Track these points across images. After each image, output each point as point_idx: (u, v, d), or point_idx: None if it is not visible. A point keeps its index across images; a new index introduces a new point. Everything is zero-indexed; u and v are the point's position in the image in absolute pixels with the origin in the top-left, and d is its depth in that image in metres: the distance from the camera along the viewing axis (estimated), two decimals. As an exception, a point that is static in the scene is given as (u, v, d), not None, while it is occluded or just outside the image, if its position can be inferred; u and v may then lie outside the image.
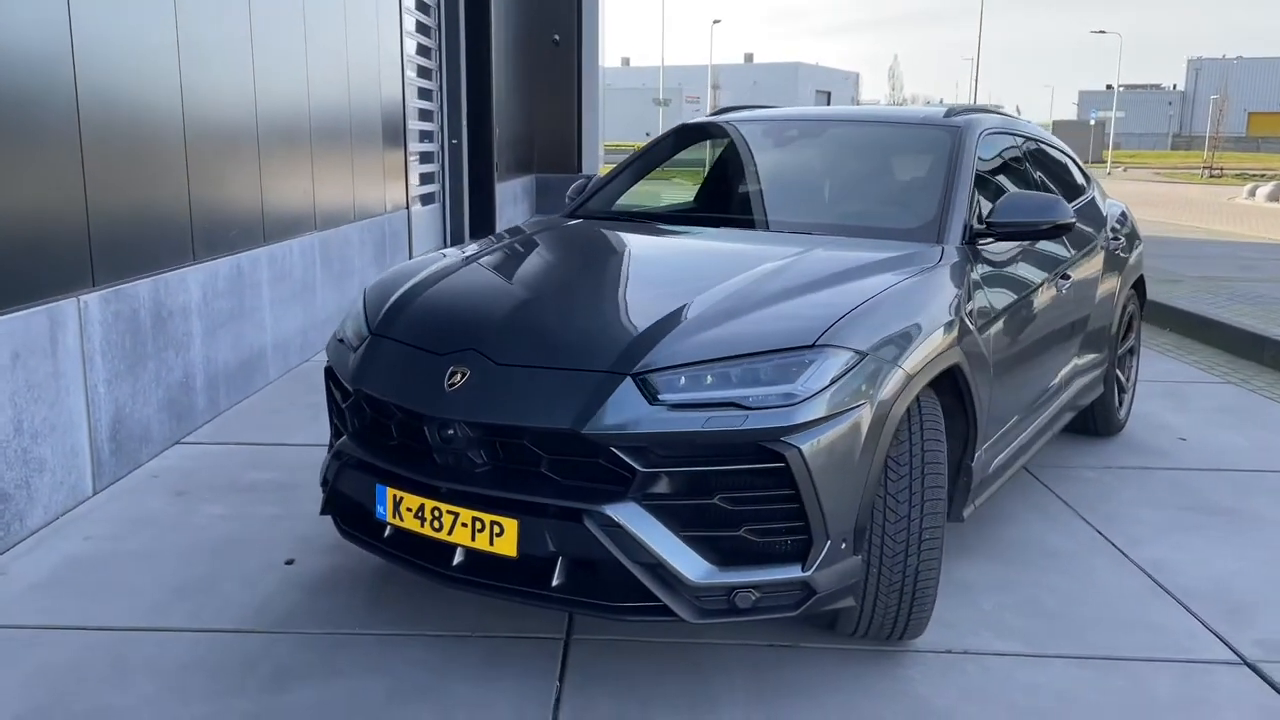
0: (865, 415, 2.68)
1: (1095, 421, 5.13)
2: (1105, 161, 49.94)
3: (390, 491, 2.83)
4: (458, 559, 2.77)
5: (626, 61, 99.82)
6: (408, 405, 2.81)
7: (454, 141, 12.80)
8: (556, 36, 18.82)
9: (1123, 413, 5.34)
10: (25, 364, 3.71)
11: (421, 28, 12.26)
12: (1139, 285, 5.41)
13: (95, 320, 4.17)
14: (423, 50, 12.37)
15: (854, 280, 3.06)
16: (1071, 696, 2.83)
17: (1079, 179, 5.00)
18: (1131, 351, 5.49)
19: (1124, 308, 5.08)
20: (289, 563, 3.55)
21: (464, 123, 12.95)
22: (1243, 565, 3.74)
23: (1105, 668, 3.00)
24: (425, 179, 11.61)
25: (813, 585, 2.64)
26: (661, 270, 3.43)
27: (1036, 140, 4.66)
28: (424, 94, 12.40)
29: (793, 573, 2.63)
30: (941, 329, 3.05)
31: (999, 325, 3.51)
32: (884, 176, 4.09)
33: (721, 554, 2.61)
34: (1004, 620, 3.27)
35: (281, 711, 2.66)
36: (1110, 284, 4.83)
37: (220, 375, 5.31)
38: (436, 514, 2.74)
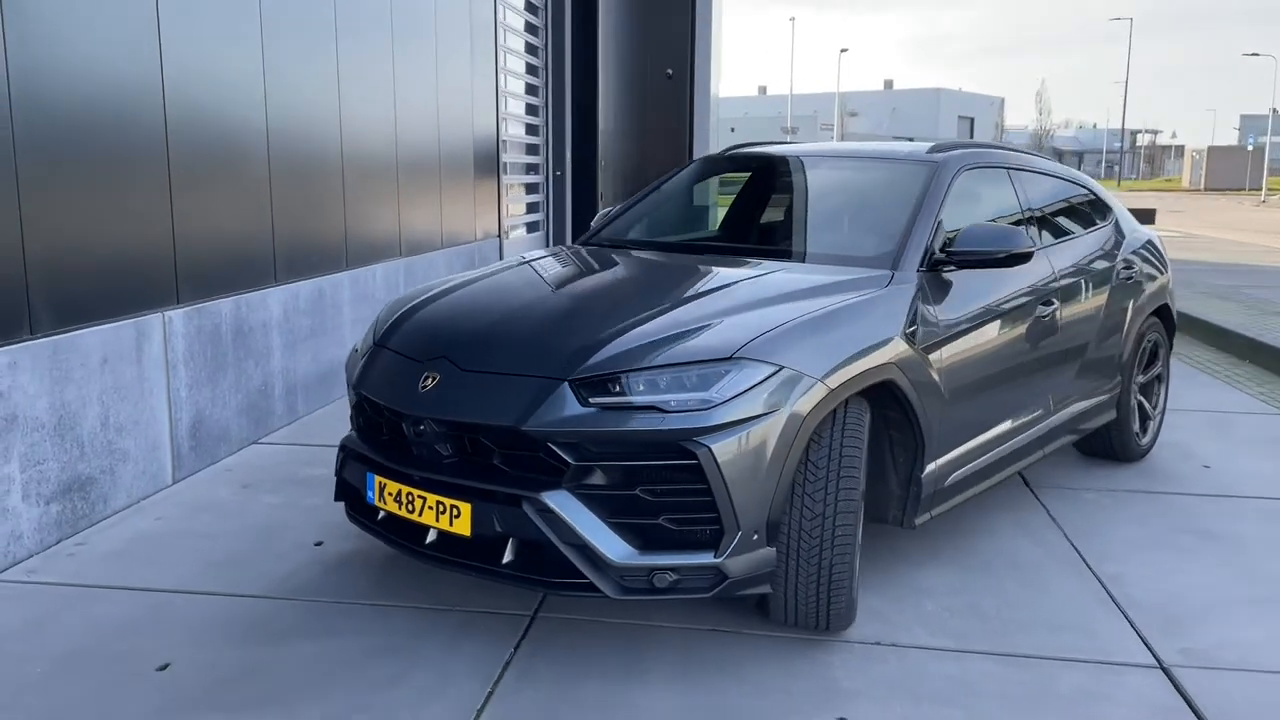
0: (779, 421, 3.03)
1: (1112, 446, 5.27)
2: (1261, 189, 47.60)
3: (377, 479, 3.32)
4: (430, 538, 3.23)
5: (764, 90, 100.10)
6: (390, 405, 3.30)
7: (558, 173, 13.47)
8: (669, 70, 19.41)
9: (1146, 439, 5.45)
10: (113, 368, 4.36)
11: (530, 68, 12.95)
12: (1163, 315, 5.52)
13: (179, 333, 4.81)
14: (531, 89, 13.05)
15: (794, 302, 3.40)
16: (974, 687, 3.09)
17: (1091, 210, 5.17)
18: (1159, 379, 5.59)
19: (1140, 336, 5.20)
20: (318, 544, 4.07)
21: (568, 155, 13.59)
22: (1203, 581, 3.89)
23: (1019, 664, 3.24)
24: (531, 208, 12.29)
25: (724, 571, 3.00)
26: (624, 290, 3.82)
27: (1038, 173, 4.88)
28: (531, 129, 13.09)
29: (705, 559, 2.99)
30: (875, 347, 3.36)
31: (955, 347, 3.78)
32: (861, 208, 4.40)
33: (643, 539, 2.99)
34: (941, 620, 3.53)
35: (276, 661, 3.16)
36: (1120, 313, 4.98)
37: (299, 384, 5.94)
38: (410, 498, 3.21)
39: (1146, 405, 5.49)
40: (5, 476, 3.84)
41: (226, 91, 5.24)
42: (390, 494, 3.27)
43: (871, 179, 4.47)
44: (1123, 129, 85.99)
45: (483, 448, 3.12)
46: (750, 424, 2.99)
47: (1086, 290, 4.73)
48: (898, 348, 3.46)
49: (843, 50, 69.49)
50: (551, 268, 4.14)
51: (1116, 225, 5.28)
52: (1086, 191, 5.29)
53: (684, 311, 3.33)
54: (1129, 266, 5.11)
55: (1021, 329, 4.21)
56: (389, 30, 7.11)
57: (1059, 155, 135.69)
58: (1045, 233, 4.66)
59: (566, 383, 3.03)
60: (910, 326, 3.56)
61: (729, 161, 4.95)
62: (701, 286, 3.58)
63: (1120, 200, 5.72)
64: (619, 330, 3.21)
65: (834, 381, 3.17)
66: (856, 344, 3.31)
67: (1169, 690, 3.09)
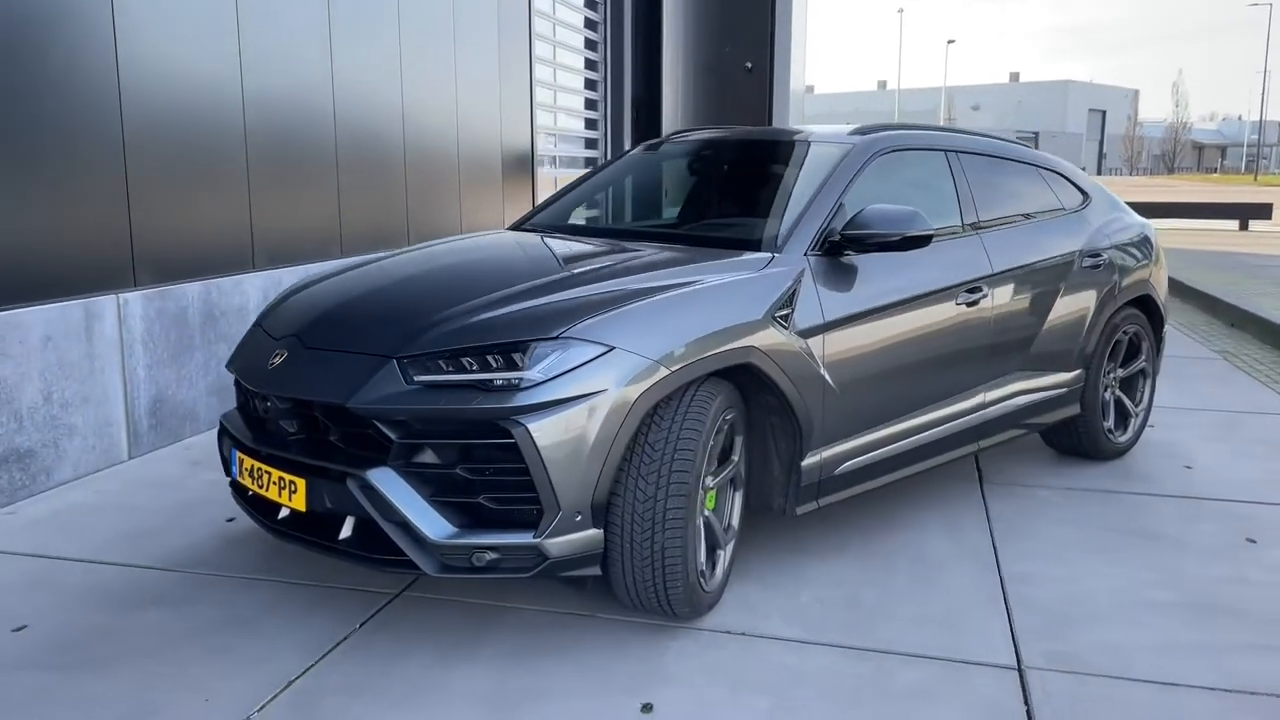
0: (605, 402, 2.98)
1: (1081, 442, 5.04)
2: None
3: (238, 454, 3.39)
4: (282, 514, 3.28)
5: (883, 84, 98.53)
6: (244, 381, 3.37)
7: (614, 166, 13.52)
8: (749, 63, 19.25)
9: (1125, 437, 5.19)
10: (56, 346, 4.55)
11: (589, 63, 12.99)
12: (1146, 306, 5.24)
13: (136, 315, 4.99)
14: (590, 84, 13.11)
15: (651, 284, 3.34)
16: (802, 678, 2.99)
17: (1056, 197, 4.94)
18: (1144, 374, 5.31)
19: (1111, 328, 4.96)
20: (229, 520, 4.18)
21: (627, 149, 13.64)
22: (1116, 584, 3.69)
23: (863, 657, 3.12)
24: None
25: (544, 551, 2.97)
26: (487, 271, 3.78)
27: (988, 156, 4.68)
28: (590, 124, 13.14)
29: (525, 539, 2.96)
30: (730, 330, 3.28)
31: (850, 334, 3.66)
32: (767, 191, 4.28)
33: (465, 517, 2.99)
34: (809, 611, 3.43)
35: (126, 627, 3.26)
36: (1082, 304, 4.76)
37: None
38: (259, 474, 3.27)
39: (1127, 401, 5.23)
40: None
41: (301, 99, 5.41)
42: (246, 469, 3.34)
43: (786, 162, 4.36)
44: (1261, 120, 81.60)
45: (320, 424, 3.16)
46: (573, 404, 2.95)
47: (1034, 279, 4.52)
48: (762, 331, 3.37)
49: (949, 41, 67.84)
50: (442, 250, 4.15)
51: (1087, 213, 5.03)
52: (1057, 177, 5.05)
53: (532, 292, 3.30)
54: (1095, 255, 4.87)
55: (940, 318, 4.05)
56: (439, 30, 7.24)
57: (1199, 149, 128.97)
58: (985, 218, 4.46)
59: (393, 360, 3.05)
60: (782, 310, 3.46)
61: (665, 145, 4.88)
62: (568, 269, 3.55)
63: (1106, 188, 5.45)
64: (455, 309, 3.21)
65: (673, 363, 3.10)
66: (706, 327, 3.23)
67: (1011, 692, 2.94)
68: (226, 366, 3.64)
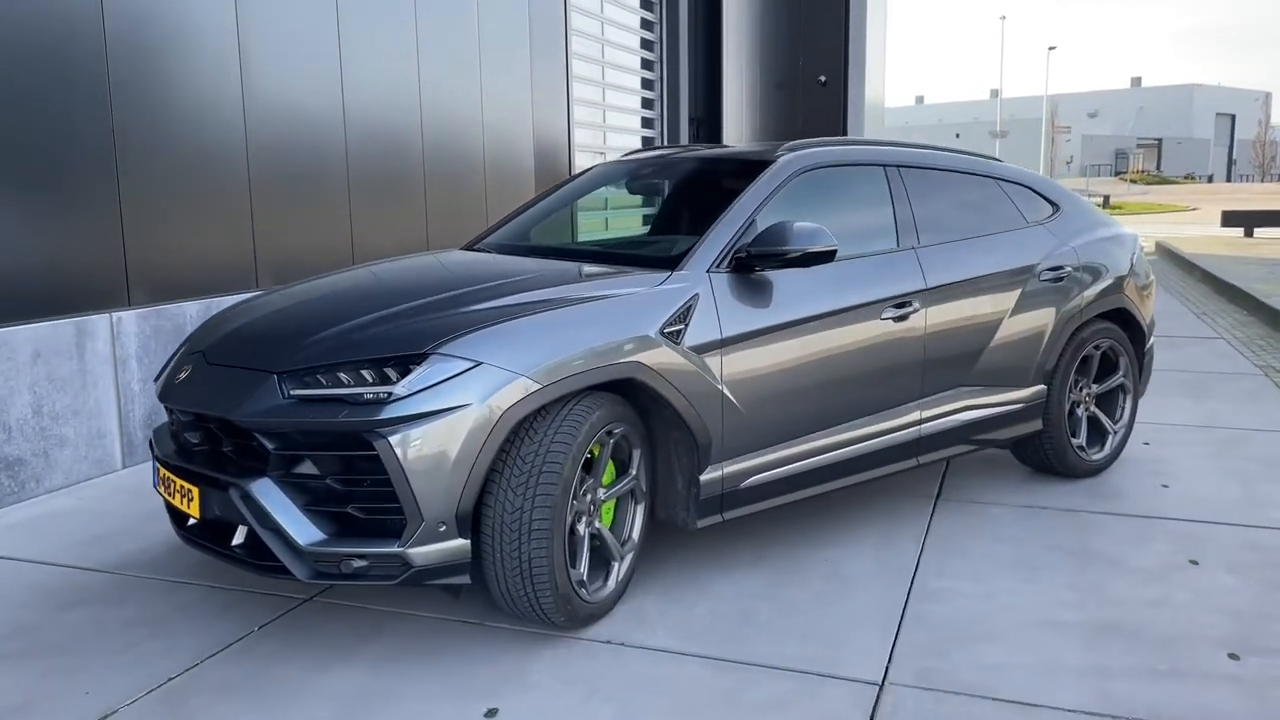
0: (470, 415, 3.09)
1: (1049, 460, 4.94)
2: None
3: (156, 465, 3.60)
4: (190, 522, 3.48)
5: (995, 93, 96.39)
6: (157, 396, 3.58)
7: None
8: (823, 77, 19.16)
9: (1100, 454, 5.07)
10: (46, 361, 4.87)
11: (646, 83, 13.13)
12: (1123, 320, 5.11)
13: (130, 332, 5.30)
14: (647, 103, 13.24)
15: (529, 300, 3.44)
16: (659, 687, 3.04)
17: (1016, 210, 4.86)
18: (1123, 390, 5.18)
19: (1078, 343, 4.85)
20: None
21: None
22: (1028, 603, 3.62)
23: (731, 669, 3.15)
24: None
25: (408, 560, 3.09)
26: (392, 289, 3.88)
27: (938, 170, 4.64)
28: (647, 143, 13.28)
29: (390, 547, 3.08)
30: (612, 346, 3.35)
31: (756, 350, 3.70)
32: (688, 210, 4.32)
33: (335, 526, 3.13)
34: (698, 623, 3.46)
35: (48, 624, 3.49)
36: (1039, 318, 4.68)
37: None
38: (168, 482, 3.47)
39: (1103, 418, 5.10)
40: (-77, 454, 4.38)
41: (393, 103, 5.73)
42: (161, 479, 3.55)
43: (713, 181, 4.40)
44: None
45: (215, 436, 3.35)
46: (436, 417, 3.06)
47: (977, 294, 4.46)
48: (648, 347, 3.43)
49: (1050, 48, 65.91)
50: (362, 271, 4.30)
51: (1053, 226, 4.94)
52: (1021, 190, 4.97)
53: (419, 310, 3.42)
54: (1057, 269, 4.77)
55: (861, 334, 4.04)
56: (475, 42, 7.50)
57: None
58: (926, 233, 4.43)
59: (274, 375, 3.21)
60: (674, 326, 3.52)
61: (615, 165, 4.97)
62: (466, 287, 3.64)
63: (1083, 200, 5.34)
64: (339, 327, 3.36)
65: (543, 378, 3.19)
66: (582, 343, 3.31)
67: (861, 708, 2.94)
68: (154, 381, 3.87)
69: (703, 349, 3.58)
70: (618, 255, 4.10)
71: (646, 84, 13.38)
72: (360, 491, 3.11)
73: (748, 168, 4.19)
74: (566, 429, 3.24)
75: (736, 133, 15.72)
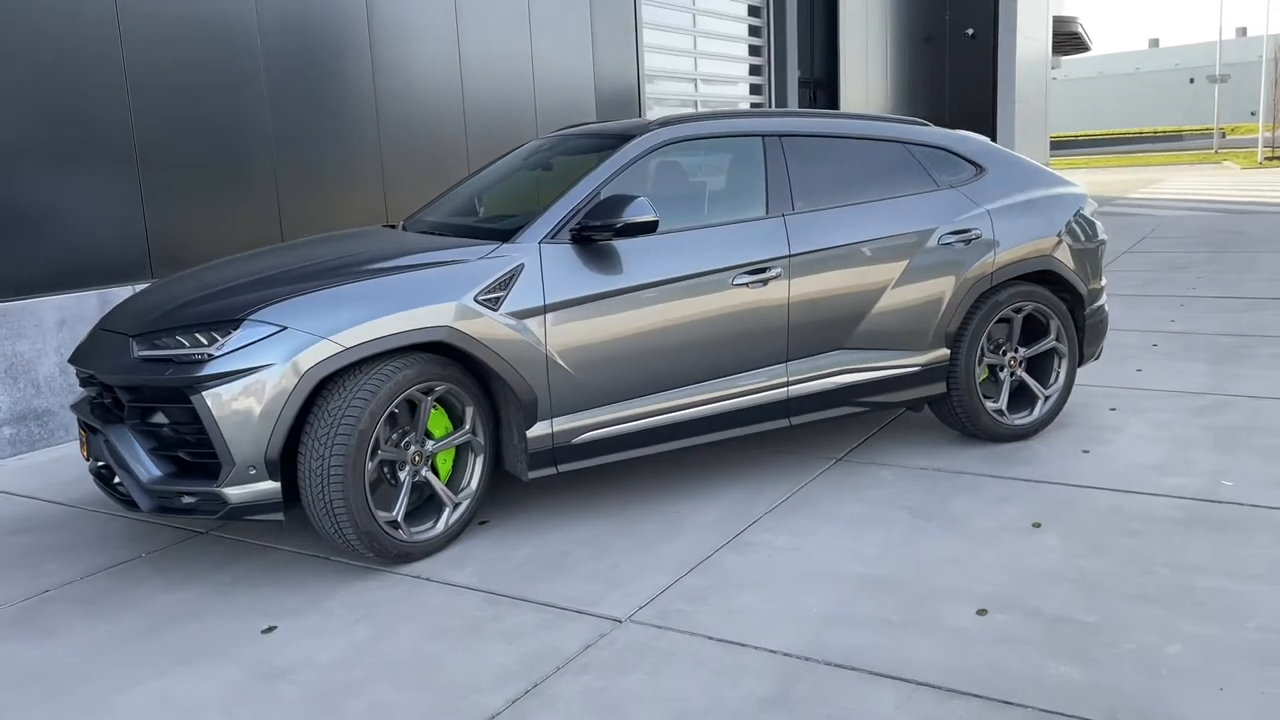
0: (274, 374, 3.56)
1: (964, 424, 4.96)
2: None
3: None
4: (94, 465, 4.13)
5: (1155, 43, 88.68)
6: (69, 359, 4.23)
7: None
8: (971, 30, 18.51)
9: (1025, 419, 5.04)
10: (71, 328, 5.70)
11: (754, 49, 13.14)
12: (1052, 282, 5.04)
13: (154, 302, 6.08)
14: (754, 70, 13.29)
15: (357, 271, 3.86)
16: (426, 615, 3.42)
17: (925, 174, 4.87)
18: (1056, 355, 5.11)
19: (992, 305, 4.84)
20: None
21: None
22: (823, 556, 3.78)
23: (498, 603, 3.50)
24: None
25: (224, 497, 3.60)
26: (259, 266, 4.31)
27: (837, 137, 4.73)
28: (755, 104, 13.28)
29: (210, 487, 3.61)
30: (422, 312, 3.74)
31: (588, 315, 4.00)
32: (547, 185, 4.57)
33: (172, 467, 3.69)
34: (507, 564, 3.82)
35: (-8, 544, 4.23)
36: (938, 281, 4.71)
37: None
38: (80, 436, 4.13)
39: (1032, 383, 5.06)
40: (-47, 405, 5.27)
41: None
42: (80, 435, 4.21)
43: (583, 157, 4.63)
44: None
45: (102, 391, 3.97)
46: (245, 375, 3.55)
47: (856, 259, 4.55)
48: (461, 314, 3.80)
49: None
50: (264, 250, 4.81)
51: (970, 189, 4.92)
52: (936, 153, 4.96)
53: (263, 281, 3.91)
54: (962, 232, 4.77)
55: (709, 299, 4.24)
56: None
57: None
58: (802, 201, 4.55)
59: (131, 339, 3.79)
60: (492, 294, 3.87)
61: (534, 143, 5.26)
62: (317, 261, 4.11)
63: (1023, 159, 5.25)
64: (194, 296, 3.90)
65: (347, 340, 3.63)
66: (390, 309, 3.71)
67: (582, 638, 3.22)
68: (87, 343, 4.54)
69: (523, 314, 3.91)
70: (479, 229, 4.44)
71: (754, 50, 13.37)
72: (188, 439, 3.65)
73: (610, 143, 4.45)
74: (368, 387, 3.65)
75: (862, 97, 15.49)
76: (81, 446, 4.07)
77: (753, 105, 13.46)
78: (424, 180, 7.82)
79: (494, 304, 3.87)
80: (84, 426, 4.03)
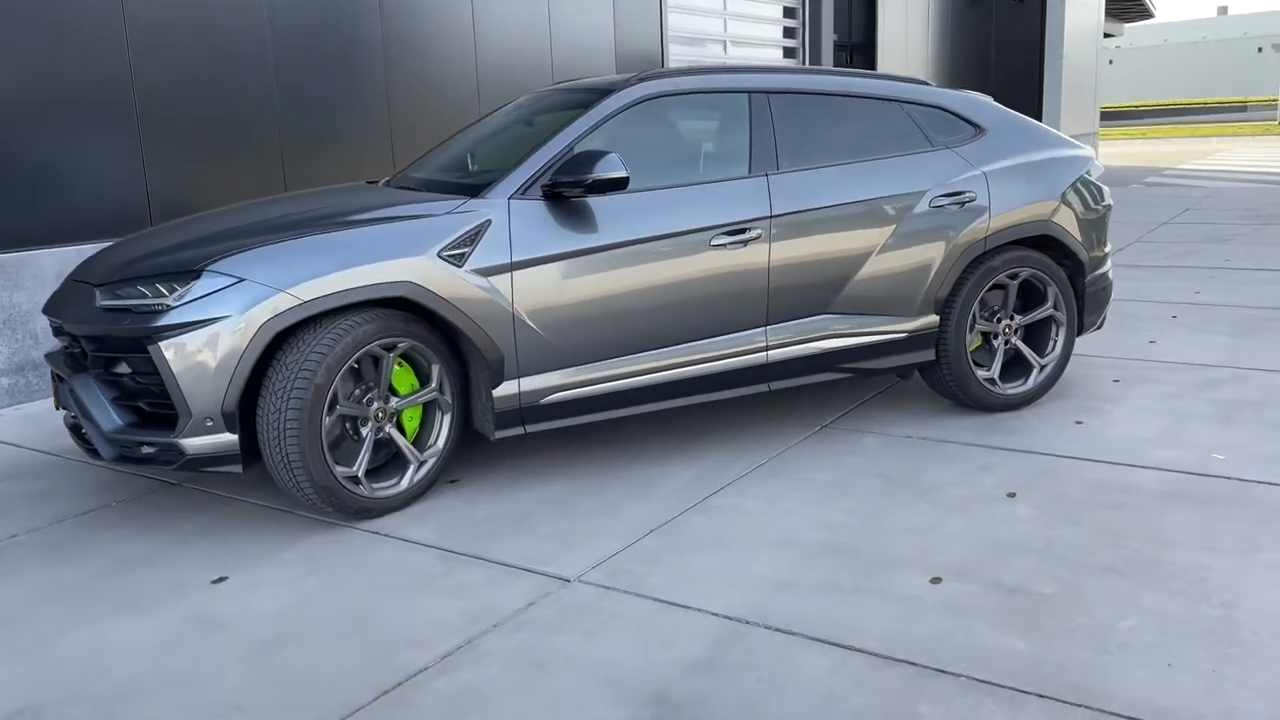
0: (231, 325, 3.55)
1: (955, 392, 4.84)
2: None
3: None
4: (65, 414, 4.15)
5: (1224, 10, 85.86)
6: (43, 309, 4.25)
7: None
8: (1018, -5, 18.04)
9: (1019, 388, 4.90)
10: (70, 281, 5.74)
11: (788, 11, 12.88)
12: (1049, 247, 4.89)
13: (155, 257, 6.12)
14: (788, 32, 13.05)
15: (321, 224, 3.83)
16: (379, 570, 3.41)
17: (920, 133, 4.73)
18: (1054, 323, 4.97)
19: (985, 271, 4.70)
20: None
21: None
22: (788, 522, 3.70)
23: (450, 560, 3.48)
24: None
25: (181, 448, 3.61)
26: (240, 218, 4.28)
27: (827, 94, 4.60)
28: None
29: (168, 438, 3.62)
30: (383, 266, 3.70)
31: (548, 272, 3.94)
32: (525, 141, 4.47)
33: (132, 417, 3.70)
34: (468, 523, 3.79)
35: (-29, 490, 4.29)
36: (927, 246, 4.58)
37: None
38: (52, 386, 4.15)
39: (1027, 351, 4.92)
40: (-47, 355, 5.35)
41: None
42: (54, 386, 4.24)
43: (562, 112, 4.53)
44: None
45: (71, 340, 3.99)
46: (201, 326, 3.54)
47: (840, 221, 4.43)
48: (423, 269, 3.75)
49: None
50: (263, 201, 4.77)
51: (966, 150, 4.77)
52: (932, 111, 4.81)
53: (224, 234, 3.88)
54: (955, 195, 4.63)
55: (686, 261, 4.15)
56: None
57: None
58: (788, 160, 4.44)
59: (96, 289, 3.79)
60: (457, 250, 3.82)
61: (525, 98, 5.17)
62: (285, 214, 4.07)
63: (1025, 120, 5.08)
64: (158, 246, 3.89)
65: (305, 294, 3.60)
66: (350, 263, 3.67)
67: (525, 596, 3.19)
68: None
69: (488, 271, 3.86)
70: (454, 185, 4.37)
71: (789, 11, 13.14)
72: (148, 389, 3.65)
73: (590, 98, 4.36)
74: (325, 341, 3.63)
75: (902, 62, 15.17)
76: (54, 397, 4.10)
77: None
78: (434, 142, 7.77)
79: (459, 260, 3.82)
80: (55, 377, 4.06)
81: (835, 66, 13.50)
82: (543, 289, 3.94)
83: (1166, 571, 3.25)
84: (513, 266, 3.90)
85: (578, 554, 3.50)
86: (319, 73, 7.00)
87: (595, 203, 4.05)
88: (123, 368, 3.73)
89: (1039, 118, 17.87)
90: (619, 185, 3.93)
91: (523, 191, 4.00)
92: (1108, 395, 5.14)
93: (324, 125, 7.08)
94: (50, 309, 4.08)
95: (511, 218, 3.94)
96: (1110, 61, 48.34)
